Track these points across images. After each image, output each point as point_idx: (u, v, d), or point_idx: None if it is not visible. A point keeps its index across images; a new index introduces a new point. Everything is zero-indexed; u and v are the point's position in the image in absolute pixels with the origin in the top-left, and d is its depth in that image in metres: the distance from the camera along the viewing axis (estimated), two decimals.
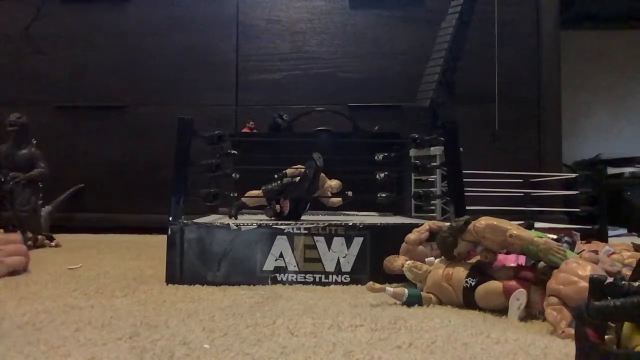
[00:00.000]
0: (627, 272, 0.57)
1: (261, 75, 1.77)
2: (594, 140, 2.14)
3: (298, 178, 0.86)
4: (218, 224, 0.74)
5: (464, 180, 0.83)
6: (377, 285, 0.58)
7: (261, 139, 1.30)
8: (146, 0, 1.79)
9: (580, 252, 0.61)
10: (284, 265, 0.73)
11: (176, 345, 0.43)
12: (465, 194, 0.83)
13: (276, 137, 1.27)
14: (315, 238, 0.73)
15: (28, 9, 1.77)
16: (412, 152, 1.18)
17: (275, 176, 0.88)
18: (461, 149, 0.85)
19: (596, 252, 0.63)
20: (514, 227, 0.56)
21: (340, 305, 0.60)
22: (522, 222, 0.68)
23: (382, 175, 0.97)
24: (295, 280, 0.73)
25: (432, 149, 1.14)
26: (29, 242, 1.15)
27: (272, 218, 0.86)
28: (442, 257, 0.63)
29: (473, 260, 0.61)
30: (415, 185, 1.17)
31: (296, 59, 1.77)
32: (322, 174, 0.93)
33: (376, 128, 1.39)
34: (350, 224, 0.75)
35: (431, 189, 1.13)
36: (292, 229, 0.74)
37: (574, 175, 1.52)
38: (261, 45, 1.78)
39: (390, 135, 1.26)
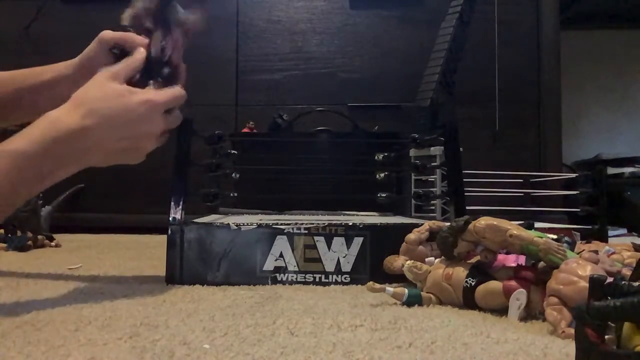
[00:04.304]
0: (627, 272, 0.57)
1: (261, 75, 1.77)
2: (594, 140, 2.14)
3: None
4: (218, 224, 0.74)
5: (464, 180, 0.83)
6: (377, 285, 0.58)
7: (261, 139, 1.30)
8: None
9: (580, 252, 0.61)
10: (284, 265, 0.73)
11: (176, 345, 0.43)
12: (465, 194, 0.83)
13: (276, 137, 1.27)
14: (315, 238, 0.73)
15: (28, 9, 1.77)
16: (412, 152, 1.18)
17: None
18: (461, 149, 0.85)
19: (596, 252, 0.62)
20: (514, 227, 0.56)
21: (340, 305, 0.60)
22: (522, 222, 0.68)
23: (382, 175, 0.97)
24: (295, 280, 0.73)
25: (432, 149, 1.15)
26: (29, 242, 1.15)
27: None
28: (442, 257, 0.63)
29: (473, 260, 0.61)
30: (415, 185, 1.17)
31: (296, 59, 1.77)
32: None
33: (376, 128, 1.39)
34: (350, 224, 0.75)
35: (431, 189, 1.13)
36: (292, 228, 0.74)
37: (574, 175, 1.52)
38: (261, 45, 1.78)
39: (390, 135, 1.26)
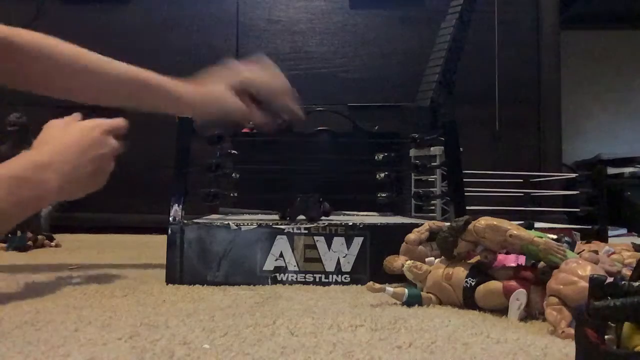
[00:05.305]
0: (627, 272, 0.57)
1: None
2: (594, 140, 2.14)
3: None
4: (218, 224, 0.74)
5: (464, 180, 0.83)
6: (377, 285, 0.58)
7: (261, 138, 1.30)
8: (146, 0, 1.79)
9: (580, 252, 0.61)
10: (284, 265, 0.73)
11: (176, 345, 0.43)
12: (465, 194, 0.83)
13: (276, 137, 1.26)
14: (315, 238, 0.73)
15: (28, 9, 1.77)
16: (412, 152, 1.18)
17: None
18: (461, 149, 0.85)
19: (596, 252, 0.62)
20: (514, 227, 0.56)
21: (340, 305, 0.60)
22: (522, 222, 0.68)
23: (382, 175, 0.97)
24: (295, 280, 0.73)
25: (432, 149, 1.14)
26: (29, 242, 1.15)
27: None
28: (442, 257, 0.63)
29: (473, 260, 0.61)
30: (415, 185, 1.17)
31: (296, 59, 1.77)
32: None
33: (376, 128, 1.39)
34: (350, 224, 0.75)
35: (431, 189, 1.13)
36: (292, 228, 0.74)
37: (574, 175, 1.52)
38: (261, 45, 1.78)
39: (390, 135, 1.26)
